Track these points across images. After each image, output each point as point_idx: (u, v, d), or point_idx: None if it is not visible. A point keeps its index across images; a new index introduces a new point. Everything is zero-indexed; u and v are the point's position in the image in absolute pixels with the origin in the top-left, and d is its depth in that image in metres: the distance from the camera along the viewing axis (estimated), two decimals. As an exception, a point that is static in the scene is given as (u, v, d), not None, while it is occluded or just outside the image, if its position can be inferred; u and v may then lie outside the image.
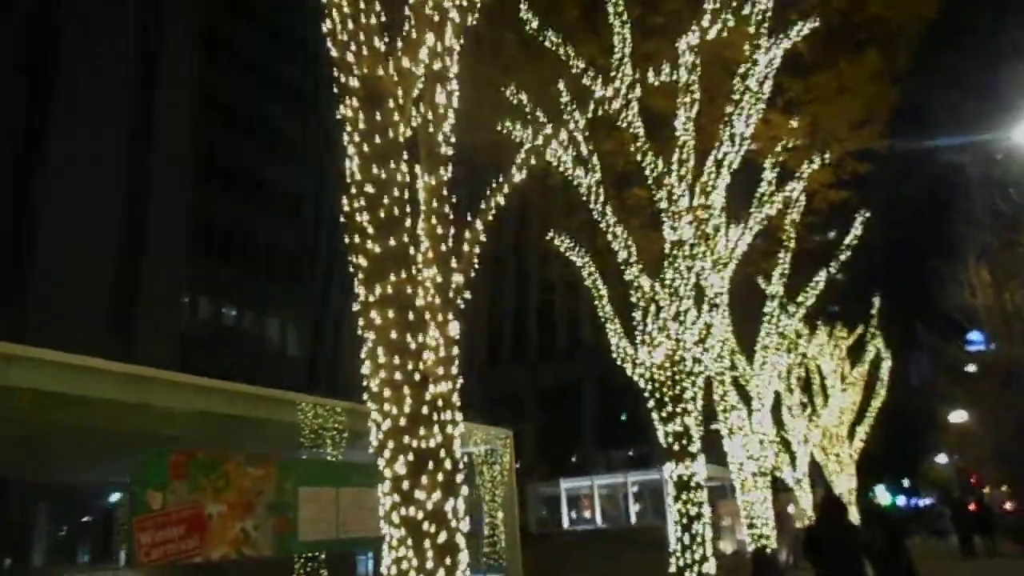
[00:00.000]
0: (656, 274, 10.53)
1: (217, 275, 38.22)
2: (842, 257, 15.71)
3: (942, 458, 52.38)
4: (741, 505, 14.60)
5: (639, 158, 10.44)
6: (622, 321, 10.84)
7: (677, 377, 10.08)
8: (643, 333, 10.37)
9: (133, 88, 33.22)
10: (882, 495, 51.05)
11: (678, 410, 9.95)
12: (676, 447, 9.86)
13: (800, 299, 15.63)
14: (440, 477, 4.71)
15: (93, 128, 30.45)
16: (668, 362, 10.16)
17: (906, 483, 60.29)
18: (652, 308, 10.46)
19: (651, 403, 10.16)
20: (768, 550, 14.27)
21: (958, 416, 32.70)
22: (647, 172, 10.52)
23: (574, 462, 44.57)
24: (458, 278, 5.38)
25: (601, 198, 10.52)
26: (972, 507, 25.81)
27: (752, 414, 15.02)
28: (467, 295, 5.40)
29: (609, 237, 10.53)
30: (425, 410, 4.76)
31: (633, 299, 10.45)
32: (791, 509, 22.00)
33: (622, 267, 10.55)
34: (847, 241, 15.70)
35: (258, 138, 41.35)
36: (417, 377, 4.78)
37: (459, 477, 4.88)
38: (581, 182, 10.66)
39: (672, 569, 9.49)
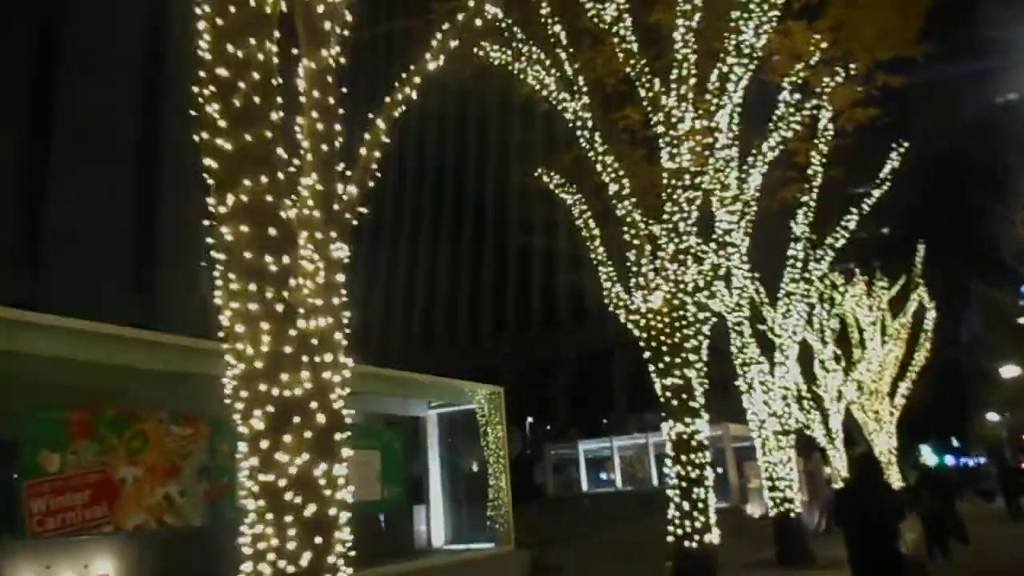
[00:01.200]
0: (655, 213, 9.32)
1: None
2: (876, 193, 14.19)
3: (993, 416, 50.18)
4: (762, 466, 13.43)
5: (632, 74, 9.14)
6: (619, 265, 9.67)
7: (676, 324, 8.90)
8: (637, 275, 9.19)
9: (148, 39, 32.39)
10: (928, 455, 49.12)
11: (677, 361, 8.80)
12: (675, 402, 8.73)
13: (829, 240, 14.17)
14: (308, 435, 3.68)
15: (106, 83, 29.93)
16: (666, 307, 8.98)
17: (954, 443, 58.14)
18: (648, 248, 9.27)
19: (647, 353, 9.03)
20: (792, 514, 13.11)
21: (1010, 371, 30.72)
22: (642, 92, 9.23)
23: (606, 424, 43.91)
24: (351, 189, 4.31)
25: (589, 124, 9.28)
26: (1022, 466, 24.57)
27: (775, 367, 13.75)
28: (363, 210, 4.33)
29: (598, 168, 9.32)
30: (289, 349, 3.73)
31: (627, 237, 9.25)
32: (827, 471, 20.67)
33: (613, 201, 9.34)
34: (883, 173, 14.16)
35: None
36: (280, 308, 3.74)
37: (338, 436, 3.85)
38: (566, 107, 9.42)
39: (670, 539, 8.43)
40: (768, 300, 14.44)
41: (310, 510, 3.61)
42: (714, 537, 8.36)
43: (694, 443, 8.56)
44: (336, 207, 4.16)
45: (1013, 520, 20.76)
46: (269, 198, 3.79)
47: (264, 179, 3.79)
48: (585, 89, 9.37)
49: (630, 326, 9.14)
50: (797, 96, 11.23)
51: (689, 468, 8.47)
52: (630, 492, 23.94)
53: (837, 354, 19.89)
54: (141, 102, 32.00)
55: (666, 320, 8.93)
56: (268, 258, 3.74)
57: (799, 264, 13.86)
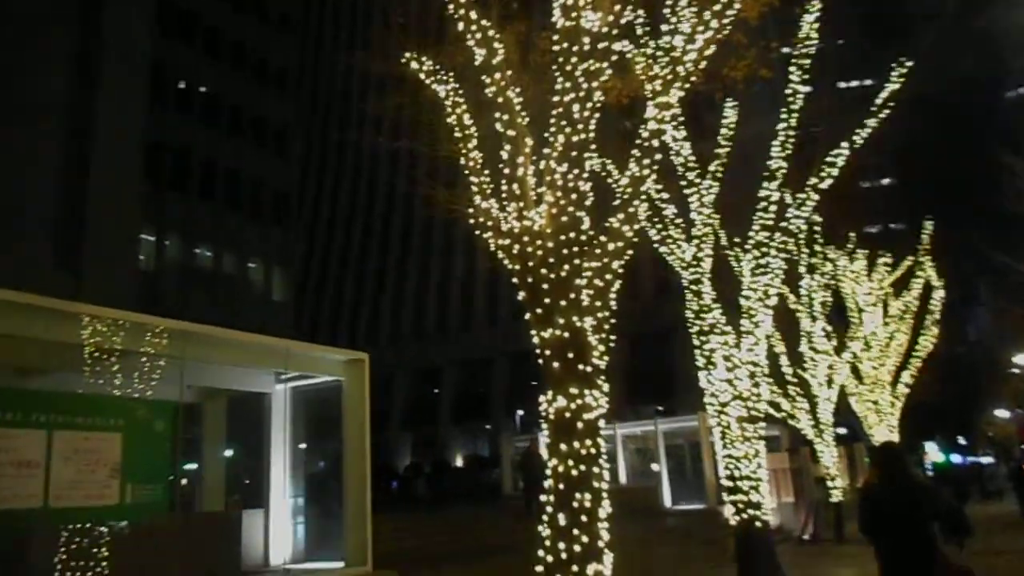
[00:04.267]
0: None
1: (193, 213, 35.07)
2: (871, 123, 11.25)
3: (1002, 413, 47.26)
4: (722, 462, 10.57)
5: None
6: (499, 176, 6.79)
7: (565, 252, 6.03)
8: (511, 182, 6.31)
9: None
10: (934, 453, 46.22)
11: (562, 304, 5.93)
12: (556, 364, 5.86)
13: (813, 181, 11.23)
14: None
15: (32, 36, 27.14)
16: (551, 227, 6.11)
17: (961, 440, 55.16)
18: (528, 142, 6.40)
19: (522, 294, 6.16)
20: (758, 523, 10.24)
21: (1025, 359, 27.77)
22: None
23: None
24: None
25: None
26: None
27: (742, 338, 10.87)
28: None
29: (460, 27, 6.43)
30: None
31: (499, 126, 6.36)
32: (823, 468, 17.60)
33: (484, 78, 6.45)
34: (882, 96, 11.22)
35: (244, 70, 37.82)
36: None
37: None
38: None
39: (538, 568, 5.58)
40: (736, 254, 11.59)
41: None
42: (604, 568, 5.51)
43: (581, 425, 5.69)
44: None
45: None
46: None
47: None
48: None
49: (501, 255, 6.26)
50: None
51: (571, 463, 5.60)
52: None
53: (828, 331, 16.97)
54: (72, 65, 29.25)
55: (550, 245, 6.06)
56: None
57: (773, 208, 10.96)
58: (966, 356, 48.05)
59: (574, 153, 6.14)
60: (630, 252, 6.67)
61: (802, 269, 16.98)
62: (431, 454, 52.34)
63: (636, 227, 6.71)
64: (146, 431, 7.08)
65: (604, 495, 5.66)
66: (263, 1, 39.33)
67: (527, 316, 6.08)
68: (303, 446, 9.03)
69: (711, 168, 11.64)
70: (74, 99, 28.67)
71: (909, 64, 11.22)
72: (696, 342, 10.76)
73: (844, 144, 11.17)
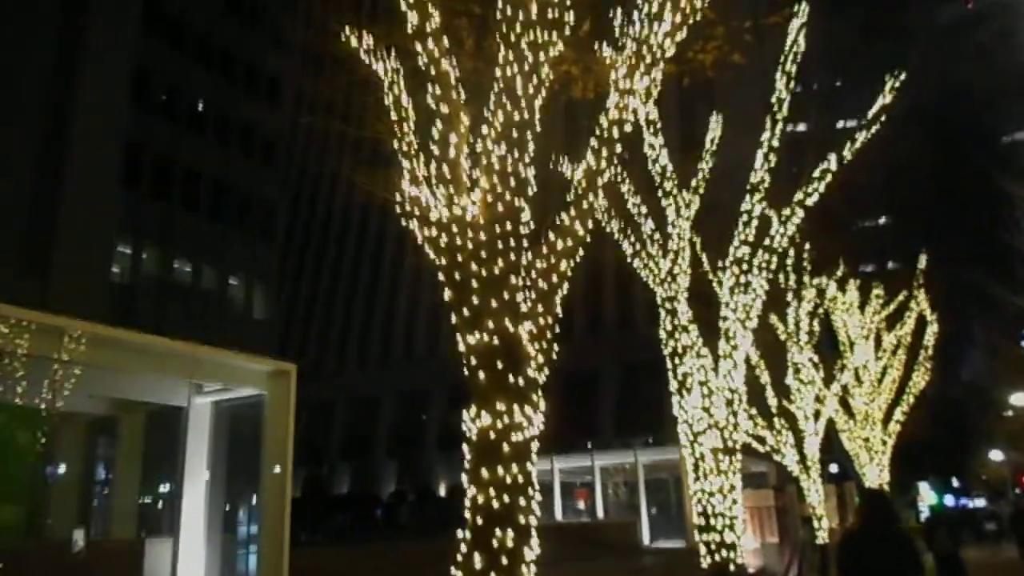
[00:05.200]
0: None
1: (173, 224, 34.20)
2: (861, 137, 10.49)
3: (997, 455, 46.27)
4: (694, 496, 9.64)
5: None
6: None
7: (499, 245, 5.21)
8: (442, 164, 5.49)
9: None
10: (927, 494, 45.12)
11: (493, 305, 5.09)
12: (483, 374, 5.01)
13: (798, 197, 10.45)
14: None
15: (10, 33, 26.53)
16: (485, 216, 5.30)
17: (954, 482, 54.03)
18: (464, 119, 5.61)
19: (448, 294, 5.32)
20: (732, 566, 9.28)
21: (1021, 399, 26.89)
22: None
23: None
24: None
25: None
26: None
27: (720, 361, 10.01)
28: None
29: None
30: None
31: (431, 100, 5.56)
32: (815, 507, 16.52)
33: (416, 45, 5.66)
34: (873, 109, 10.48)
35: (235, 82, 37.24)
36: None
37: None
38: None
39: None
40: (718, 278, 10.78)
41: None
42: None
43: (507, 448, 4.80)
44: None
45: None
46: None
47: None
48: None
49: (427, 248, 5.41)
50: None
51: (493, 493, 4.70)
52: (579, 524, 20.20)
53: (815, 361, 16.09)
54: (50, 65, 28.60)
55: (482, 237, 5.23)
56: None
57: (754, 222, 10.16)
58: (960, 397, 47.30)
59: (515, 134, 5.34)
60: (581, 253, 5.88)
61: (789, 296, 16.18)
62: (416, 481, 51.05)
63: (590, 225, 5.93)
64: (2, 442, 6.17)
65: (532, 533, 4.74)
66: (256, 10, 38.85)
67: (453, 319, 5.21)
68: (229, 464, 8.09)
69: (693, 183, 10.89)
70: (51, 100, 27.97)
71: (902, 78, 10.52)
72: (669, 364, 9.89)
73: (832, 156, 10.40)
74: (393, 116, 6.16)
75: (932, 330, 21.84)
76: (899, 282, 22.33)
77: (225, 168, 36.17)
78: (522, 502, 4.72)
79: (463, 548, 4.66)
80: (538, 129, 5.47)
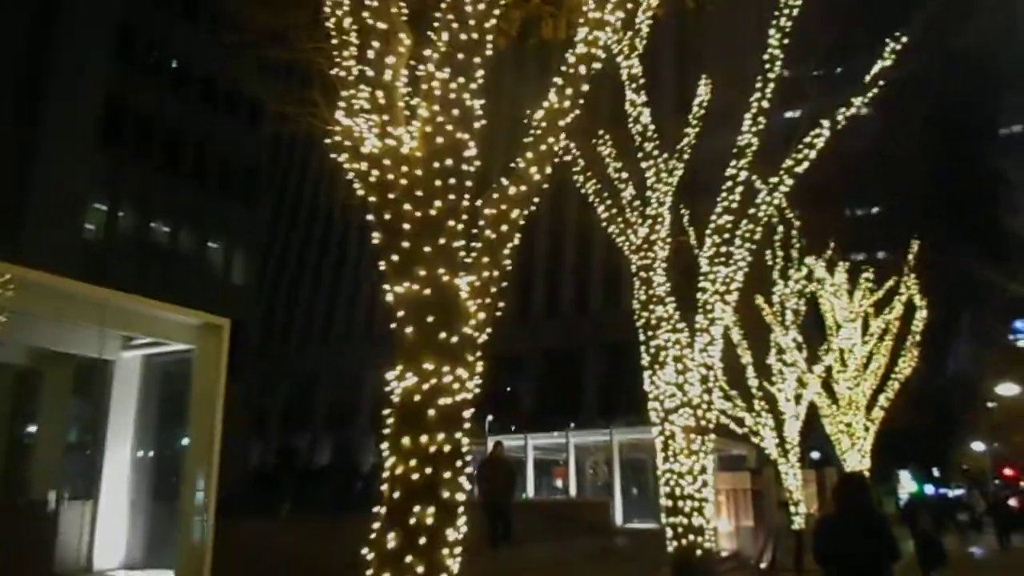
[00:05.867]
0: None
1: (151, 184, 33.25)
2: (857, 102, 9.83)
3: (978, 445, 46.25)
4: (661, 476, 9.10)
5: None
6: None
7: (437, 184, 4.59)
8: (376, 89, 4.83)
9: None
10: (907, 482, 45.11)
11: (426, 250, 4.46)
12: (410, 329, 4.39)
13: (787, 164, 9.80)
14: None
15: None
16: (423, 150, 4.66)
17: (935, 472, 54.12)
18: (405, 40, 4.94)
19: (377, 236, 4.68)
20: (699, 552, 8.76)
21: (1008, 389, 26.54)
22: None
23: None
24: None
25: None
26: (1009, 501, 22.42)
27: (696, 335, 9.42)
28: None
29: None
30: None
31: (367, 16, 4.86)
32: (792, 492, 16.01)
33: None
34: (871, 74, 9.81)
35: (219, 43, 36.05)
36: None
37: None
38: None
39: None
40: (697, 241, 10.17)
41: None
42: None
43: (433, 412, 4.19)
44: None
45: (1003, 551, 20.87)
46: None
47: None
48: None
49: (357, 185, 4.75)
50: None
51: (413, 463, 4.10)
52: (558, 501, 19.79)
53: (799, 342, 15.56)
54: (27, 15, 27.53)
55: (418, 173, 4.58)
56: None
57: (739, 188, 9.53)
58: (945, 387, 47.23)
59: (461, 56, 4.66)
60: (536, 200, 5.24)
61: (776, 275, 15.61)
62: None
63: (548, 171, 5.29)
64: None
65: (458, 511, 4.15)
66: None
67: (381, 265, 4.57)
68: (159, 424, 7.48)
69: (678, 147, 10.23)
70: (29, 52, 26.95)
71: (904, 40, 9.85)
72: (641, 337, 9.30)
73: (825, 123, 9.75)
74: (334, 40, 5.47)
75: (920, 315, 21.35)
76: (889, 270, 21.85)
77: (209, 129, 35.20)
78: (447, 475, 4.11)
79: (377, 525, 4.07)
80: (488, 52, 4.81)
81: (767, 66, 9.34)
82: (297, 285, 62.59)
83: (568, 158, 9.91)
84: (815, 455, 36.72)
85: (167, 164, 33.65)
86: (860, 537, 5.07)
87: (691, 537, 8.70)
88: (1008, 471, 43.66)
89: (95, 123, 29.18)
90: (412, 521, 3.97)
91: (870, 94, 9.89)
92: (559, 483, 28.11)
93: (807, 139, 9.69)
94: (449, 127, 4.60)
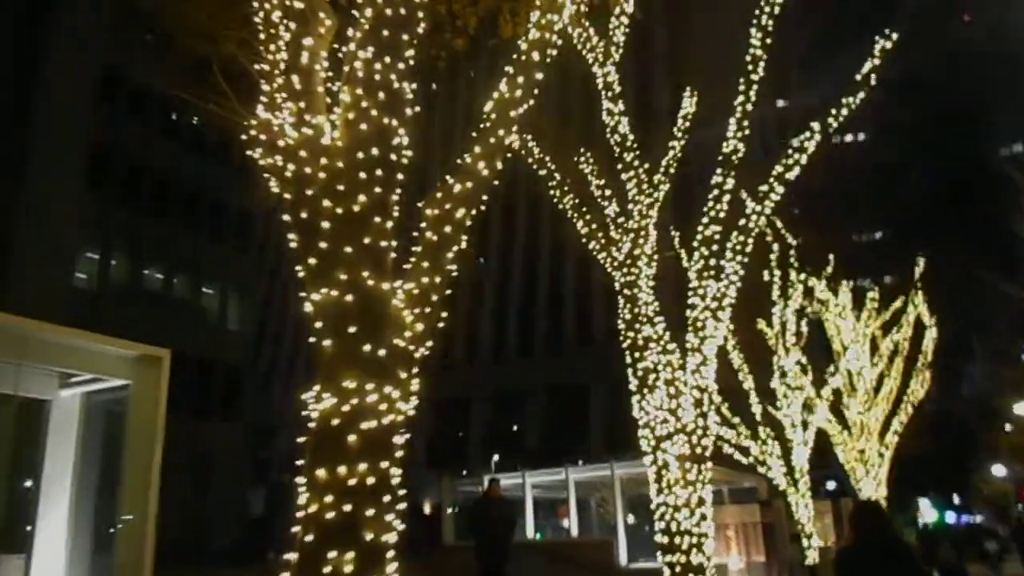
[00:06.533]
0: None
1: (142, 231, 32.93)
2: (849, 101, 9.30)
3: (999, 470, 44.88)
4: (656, 511, 8.35)
5: None
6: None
7: (364, 176, 4.02)
8: (290, 72, 4.30)
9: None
10: (927, 510, 43.72)
11: (346, 251, 3.89)
12: (329, 342, 3.78)
13: (779, 168, 9.24)
14: None
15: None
16: (347, 140, 4.12)
17: (956, 499, 52.57)
18: (323, 21, 4.43)
19: (293, 238, 4.10)
20: (700, 594, 7.98)
21: (1026, 409, 25.60)
22: None
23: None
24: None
25: None
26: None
27: (688, 356, 8.77)
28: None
29: None
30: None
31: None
32: (804, 524, 15.04)
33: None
34: (862, 72, 9.30)
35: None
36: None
37: None
38: None
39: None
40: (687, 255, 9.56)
41: None
42: None
43: (354, 439, 3.56)
44: None
45: None
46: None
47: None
48: None
49: (272, 183, 4.18)
50: None
51: (330, 500, 3.45)
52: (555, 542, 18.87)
53: (803, 364, 14.82)
54: (10, 59, 27.51)
55: (340, 165, 4.02)
56: None
57: (725, 198, 8.95)
58: (961, 410, 46.10)
59: (386, 33, 4.14)
60: (485, 198, 4.68)
61: (775, 295, 14.97)
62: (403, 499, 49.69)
63: (499, 166, 4.75)
64: None
65: (386, 556, 3.49)
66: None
67: (299, 271, 3.98)
68: (103, 468, 6.80)
69: (663, 163, 9.70)
70: (12, 95, 26.83)
71: (895, 38, 9.37)
72: (628, 359, 8.65)
73: (815, 126, 9.21)
74: (261, 35, 4.97)
75: (931, 335, 20.61)
76: (896, 291, 21.25)
77: (201, 176, 35.02)
78: (371, 512, 3.46)
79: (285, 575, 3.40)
80: (420, 29, 4.28)
81: (750, 67, 8.85)
82: (299, 329, 62.05)
83: (543, 172, 9.40)
84: (831, 485, 35.59)
85: (158, 210, 33.39)
86: (885, 568, 4.76)
87: (690, 577, 7.92)
88: (1030, 495, 42.37)
89: (82, 170, 28.93)
90: (327, 570, 3.31)
91: (861, 94, 9.37)
92: (565, 523, 27.10)
93: (796, 143, 9.16)
94: (374, 112, 4.05)
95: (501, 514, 11.73)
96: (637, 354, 8.60)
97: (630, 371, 8.66)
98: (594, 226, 9.17)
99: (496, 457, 46.60)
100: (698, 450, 8.41)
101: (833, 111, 9.23)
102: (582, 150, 9.88)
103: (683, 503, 8.17)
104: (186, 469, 26.93)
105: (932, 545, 15.68)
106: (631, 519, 19.92)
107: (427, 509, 48.60)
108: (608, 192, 9.60)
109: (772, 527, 15.54)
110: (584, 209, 9.26)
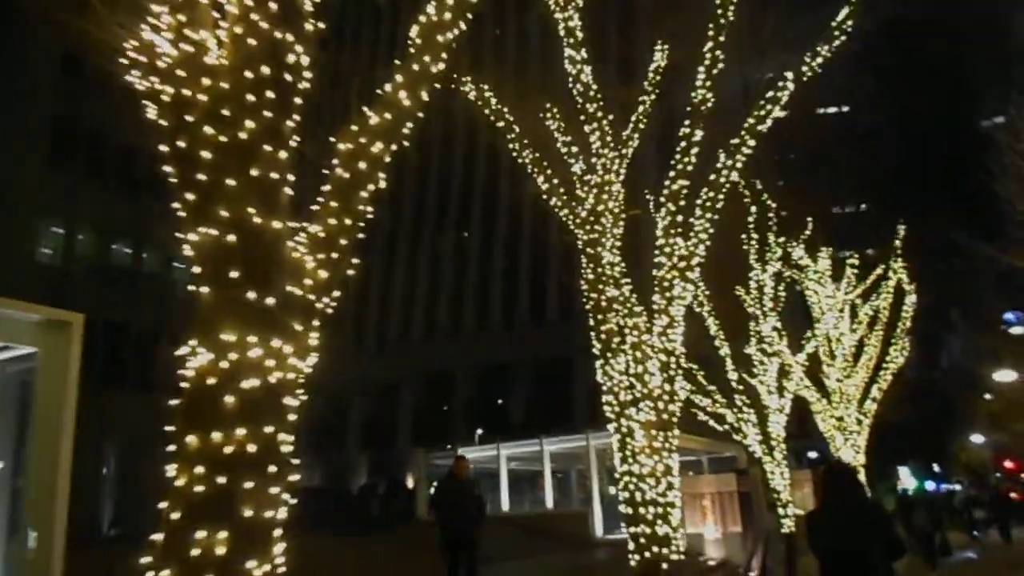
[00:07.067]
0: None
1: (113, 207, 31.95)
2: (824, 50, 8.77)
3: (977, 438, 45.23)
4: (620, 481, 7.94)
5: None
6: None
7: (251, 99, 3.46)
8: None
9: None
10: (907, 478, 44.05)
11: (229, 184, 3.32)
12: (208, 291, 3.24)
13: (749, 122, 8.73)
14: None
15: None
16: (233, 57, 3.54)
17: (936, 468, 53.07)
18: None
19: (170, 171, 3.54)
20: (665, 565, 7.60)
21: (1005, 376, 25.52)
22: None
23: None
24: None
25: None
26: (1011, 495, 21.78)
27: (654, 317, 8.32)
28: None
29: None
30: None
31: None
32: (780, 492, 14.67)
33: None
34: (837, 19, 8.77)
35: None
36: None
37: None
38: None
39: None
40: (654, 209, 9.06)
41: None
42: None
43: (232, 400, 3.05)
44: None
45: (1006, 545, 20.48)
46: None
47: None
48: None
49: (149, 108, 3.61)
50: None
51: (201, 472, 2.95)
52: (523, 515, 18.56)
53: (779, 329, 14.44)
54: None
55: (224, 86, 3.47)
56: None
57: (694, 150, 8.45)
58: (940, 379, 46.31)
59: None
60: (407, 132, 4.16)
61: (752, 259, 14.54)
62: (389, 474, 49.44)
63: (424, 97, 4.22)
64: None
65: (270, 536, 2.99)
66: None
67: (176, 208, 3.44)
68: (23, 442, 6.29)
69: (632, 118, 9.17)
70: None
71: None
72: (591, 321, 8.19)
73: (789, 75, 8.70)
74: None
75: (910, 300, 20.34)
76: (876, 260, 20.99)
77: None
78: (250, 484, 2.96)
79: (149, 560, 2.91)
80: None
81: (719, 11, 8.31)
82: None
83: (501, 124, 8.85)
84: (813, 454, 35.61)
85: (123, 182, 32.40)
86: (855, 529, 4.61)
87: (655, 549, 7.54)
88: (1009, 464, 42.77)
89: (44, 141, 27.96)
90: (195, 551, 2.82)
91: (836, 43, 8.86)
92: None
93: (769, 94, 8.66)
94: (265, 25, 3.49)
95: (467, 499, 10.37)
96: (601, 316, 8.14)
97: (593, 334, 8.20)
98: (555, 181, 8.64)
99: (480, 431, 46.39)
100: (664, 416, 8.00)
101: (807, 58, 8.73)
102: (547, 105, 9.34)
103: (648, 472, 7.77)
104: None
105: (908, 511, 15.57)
106: (610, 490, 19.68)
107: (410, 483, 48.51)
108: (575, 149, 9.09)
109: (749, 496, 15.27)
110: (545, 164, 8.73)
